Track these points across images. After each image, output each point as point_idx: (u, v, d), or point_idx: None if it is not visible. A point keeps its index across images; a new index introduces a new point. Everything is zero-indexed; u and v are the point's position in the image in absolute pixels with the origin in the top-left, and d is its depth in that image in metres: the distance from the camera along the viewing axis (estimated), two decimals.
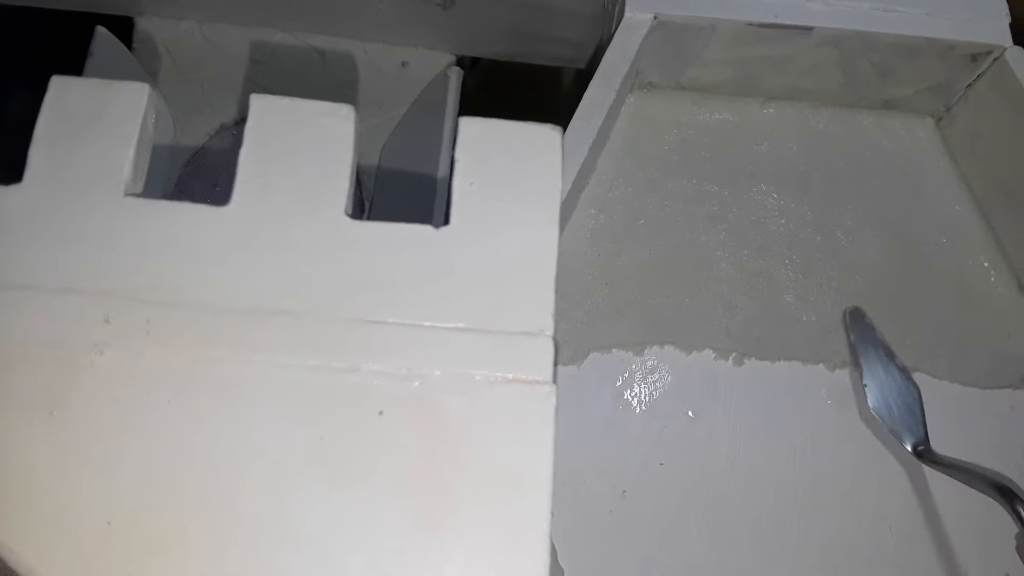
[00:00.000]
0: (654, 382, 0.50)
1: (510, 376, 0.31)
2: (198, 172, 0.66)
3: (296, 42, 0.67)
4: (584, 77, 0.66)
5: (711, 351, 0.50)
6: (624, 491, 0.48)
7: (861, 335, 0.51)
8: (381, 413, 0.31)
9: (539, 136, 0.35)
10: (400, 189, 0.66)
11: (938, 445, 0.48)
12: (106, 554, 0.28)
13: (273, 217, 0.32)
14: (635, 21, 0.49)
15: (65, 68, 0.63)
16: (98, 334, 0.30)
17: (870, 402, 0.49)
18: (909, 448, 0.48)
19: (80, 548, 0.28)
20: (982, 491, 0.45)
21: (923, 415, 0.48)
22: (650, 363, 0.50)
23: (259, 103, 0.33)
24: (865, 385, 0.49)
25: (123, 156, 0.32)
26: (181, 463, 0.29)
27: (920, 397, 0.49)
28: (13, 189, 0.31)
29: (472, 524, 0.30)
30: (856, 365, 0.50)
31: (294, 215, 0.32)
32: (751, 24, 0.49)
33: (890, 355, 0.50)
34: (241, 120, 0.67)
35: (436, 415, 0.31)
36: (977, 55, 0.51)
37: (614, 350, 0.50)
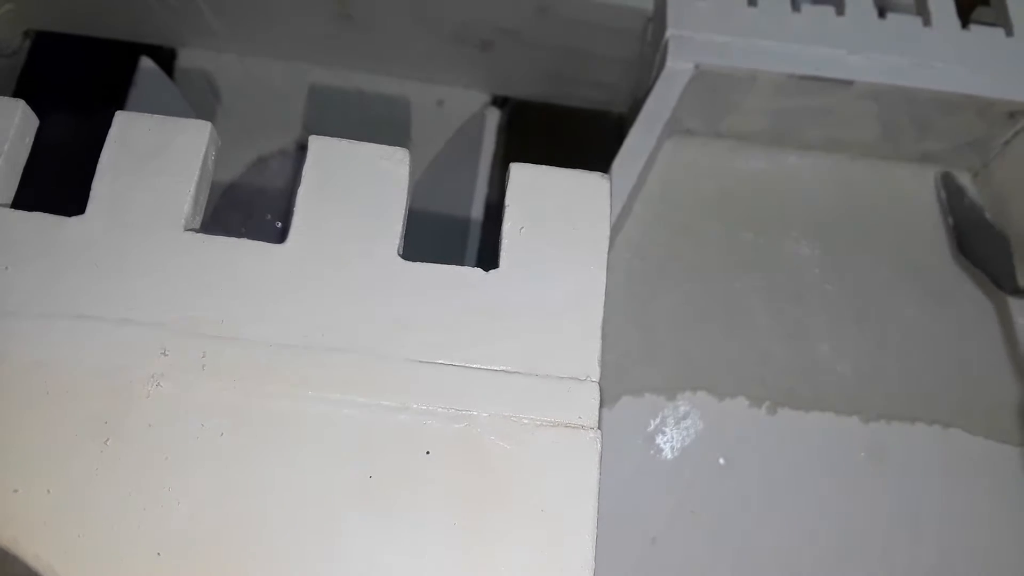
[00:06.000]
0: (686, 428, 0.50)
1: (556, 420, 0.32)
2: (233, 204, 0.67)
3: (335, 78, 0.68)
4: (616, 120, 0.66)
5: (745, 399, 0.50)
6: (654, 538, 0.48)
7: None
8: (428, 453, 0.31)
9: (588, 183, 0.35)
10: (431, 228, 0.67)
11: (972, 502, 0.48)
12: None
13: (328, 256, 0.32)
14: (676, 70, 0.50)
15: (105, 97, 0.65)
16: (155, 366, 0.30)
17: (961, 250, 0.54)
18: (997, 285, 0.53)
19: None
20: None
21: (1012, 259, 0.53)
22: (682, 409, 0.50)
23: (317, 144, 0.34)
24: (957, 235, 0.55)
25: (184, 192, 0.32)
26: (232, 496, 0.29)
27: (1009, 244, 0.54)
28: (76, 220, 0.32)
29: (516, 565, 0.30)
30: None
31: (349, 254, 0.32)
32: (792, 76, 0.50)
33: (981, 210, 0.55)
34: (279, 153, 0.67)
35: (483, 456, 0.31)
36: (1015, 112, 0.51)
37: (646, 394, 0.51)
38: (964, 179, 0.57)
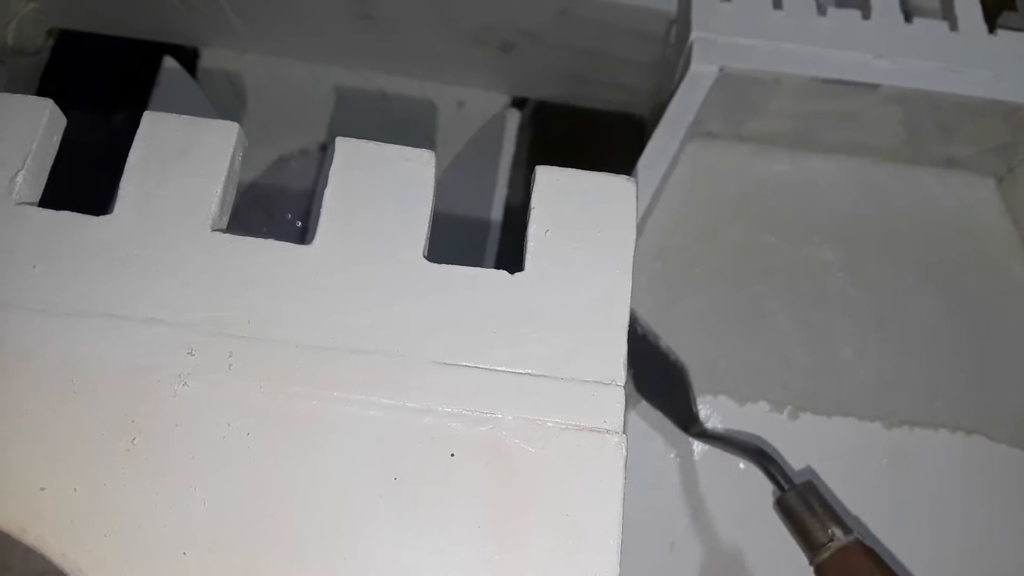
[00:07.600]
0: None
1: (581, 424, 0.32)
2: (255, 203, 0.68)
3: (356, 79, 0.68)
4: (636, 122, 0.66)
5: (766, 403, 0.50)
6: (673, 543, 0.47)
7: None
8: (453, 455, 0.31)
9: (614, 186, 0.35)
10: (450, 229, 0.66)
11: (994, 509, 0.47)
12: None
13: (354, 257, 0.32)
14: (701, 73, 0.50)
15: (128, 96, 0.65)
16: (182, 365, 0.30)
17: (636, 387, 0.48)
18: (677, 426, 0.48)
19: None
20: (742, 457, 0.47)
21: (690, 394, 0.49)
22: (703, 413, 0.50)
23: (344, 146, 0.34)
24: (632, 371, 0.47)
25: (212, 192, 0.32)
26: (257, 496, 0.29)
27: (686, 376, 0.49)
28: (103, 220, 0.32)
29: (540, 569, 0.30)
30: None
31: (375, 256, 0.32)
32: (817, 79, 0.50)
33: (655, 338, 0.50)
34: (300, 153, 0.68)
35: (507, 459, 0.31)
36: None
37: None
38: (988, 184, 0.56)
